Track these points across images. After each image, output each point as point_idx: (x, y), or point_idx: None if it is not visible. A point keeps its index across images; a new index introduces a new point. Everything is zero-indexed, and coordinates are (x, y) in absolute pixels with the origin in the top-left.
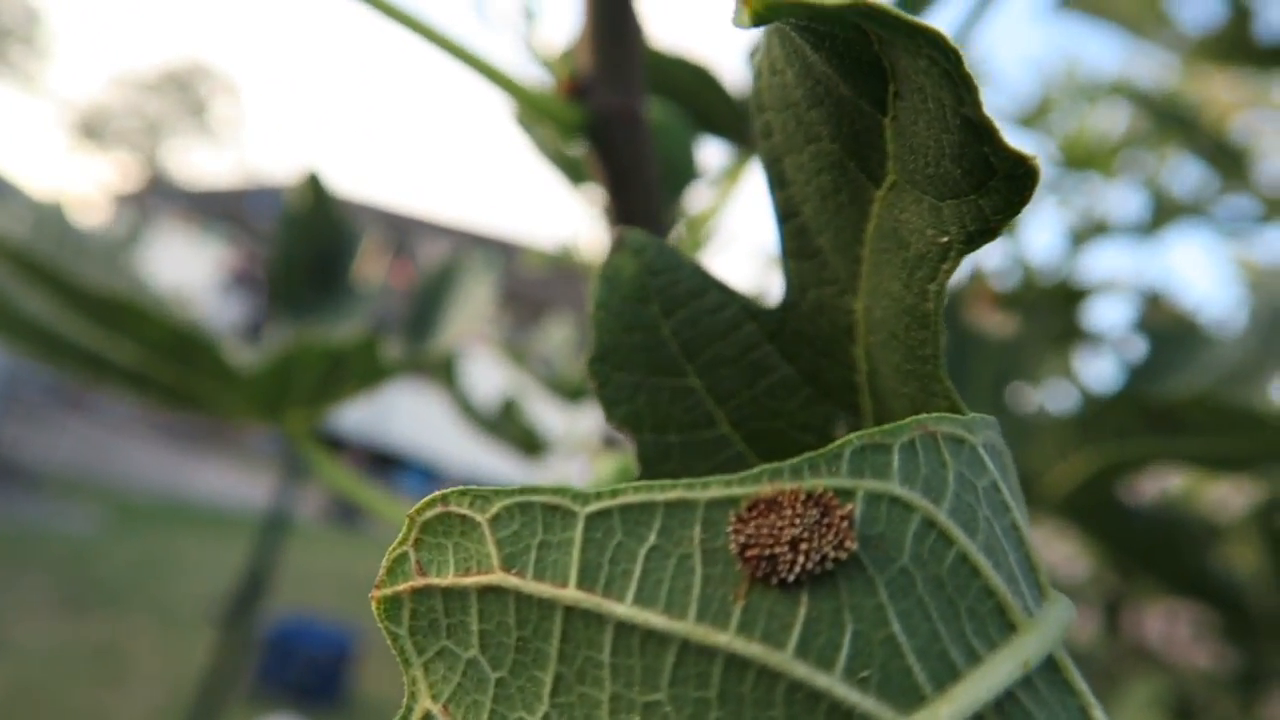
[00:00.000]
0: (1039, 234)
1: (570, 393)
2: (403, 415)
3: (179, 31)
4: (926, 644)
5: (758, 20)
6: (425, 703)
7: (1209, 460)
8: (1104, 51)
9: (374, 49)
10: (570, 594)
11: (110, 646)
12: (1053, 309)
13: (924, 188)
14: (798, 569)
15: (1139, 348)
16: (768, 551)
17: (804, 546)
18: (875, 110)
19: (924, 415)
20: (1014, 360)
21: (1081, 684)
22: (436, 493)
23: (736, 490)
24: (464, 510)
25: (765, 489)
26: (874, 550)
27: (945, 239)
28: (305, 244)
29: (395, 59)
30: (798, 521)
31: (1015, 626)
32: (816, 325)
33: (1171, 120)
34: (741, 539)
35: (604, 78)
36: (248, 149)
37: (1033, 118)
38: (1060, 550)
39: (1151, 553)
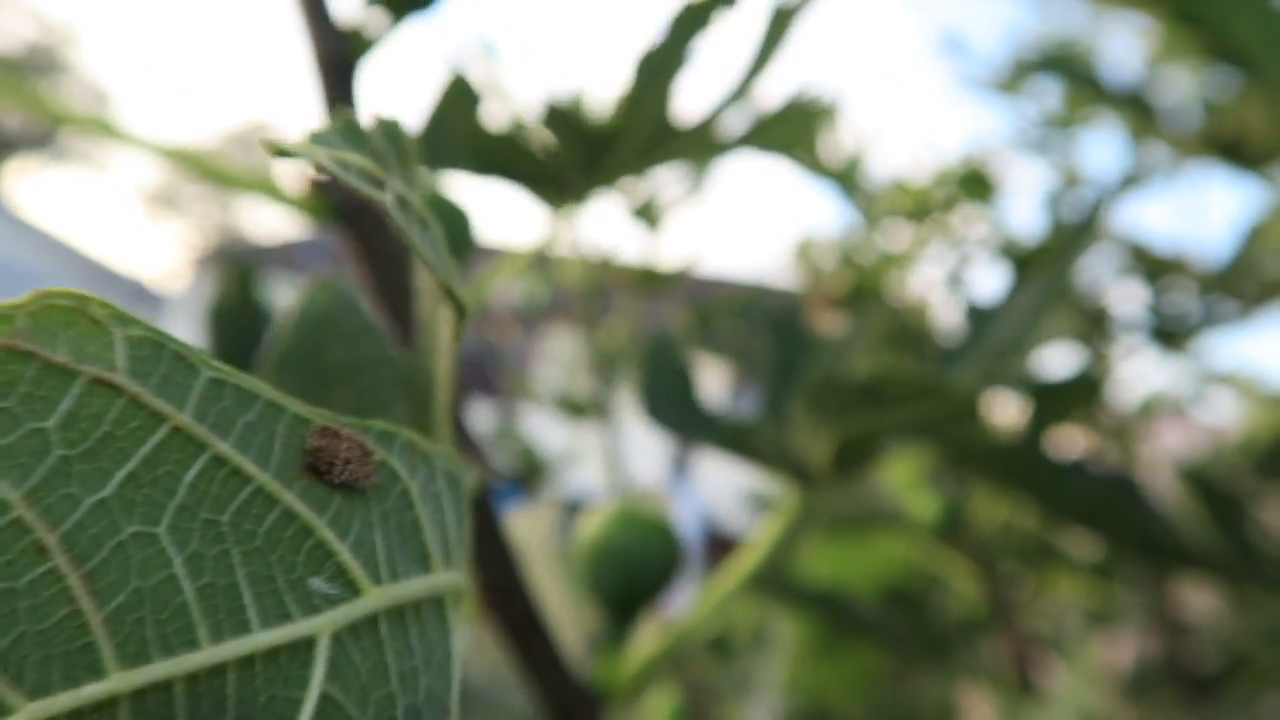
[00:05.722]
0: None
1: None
2: None
3: (235, 93)
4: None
5: None
6: None
7: (910, 431)
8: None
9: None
10: (183, 420)
11: None
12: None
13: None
14: (342, 476)
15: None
16: (329, 458)
17: (351, 465)
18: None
19: None
20: (840, 358)
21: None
22: (69, 288)
23: (313, 415)
24: (97, 314)
25: (332, 423)
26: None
27: None
28: (236, 335)
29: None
30: (349, 448)
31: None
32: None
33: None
34: (318, 444)
35: None
36: None
37: (1009, 83)
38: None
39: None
